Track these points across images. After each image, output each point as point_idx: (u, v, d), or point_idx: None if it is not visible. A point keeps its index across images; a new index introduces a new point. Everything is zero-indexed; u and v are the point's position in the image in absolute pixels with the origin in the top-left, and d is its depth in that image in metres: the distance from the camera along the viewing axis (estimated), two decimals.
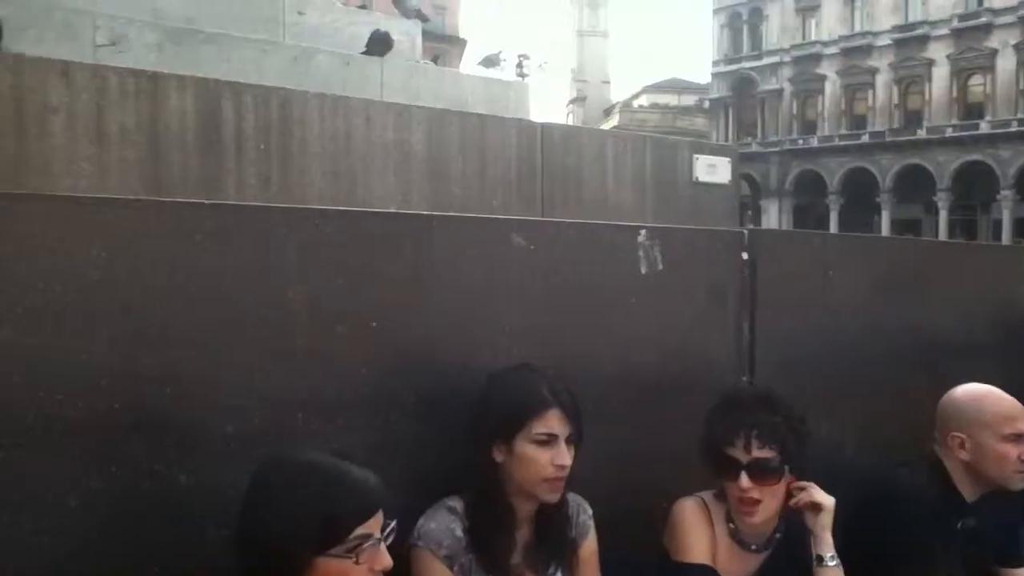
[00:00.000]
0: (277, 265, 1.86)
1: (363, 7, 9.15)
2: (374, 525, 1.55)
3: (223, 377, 1.80)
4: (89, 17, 3.93)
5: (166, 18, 4.34)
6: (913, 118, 42.98)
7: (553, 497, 1.94)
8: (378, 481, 1.59)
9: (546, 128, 5.06)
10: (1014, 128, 38.89)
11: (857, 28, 45.12)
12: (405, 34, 5.61)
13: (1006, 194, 39.17)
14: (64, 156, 3.27)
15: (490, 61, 7.36)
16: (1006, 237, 37.03)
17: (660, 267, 2.42)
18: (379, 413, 1.98)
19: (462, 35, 41.22)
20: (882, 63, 43.88)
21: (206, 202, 1.77)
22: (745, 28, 49.88)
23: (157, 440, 1.74)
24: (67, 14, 3.88)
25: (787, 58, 47.41)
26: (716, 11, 51.25)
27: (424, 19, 6.52)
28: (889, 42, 43.48)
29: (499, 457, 1.93)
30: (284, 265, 1.87)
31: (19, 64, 3.22)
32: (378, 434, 1.96)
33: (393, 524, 1.59)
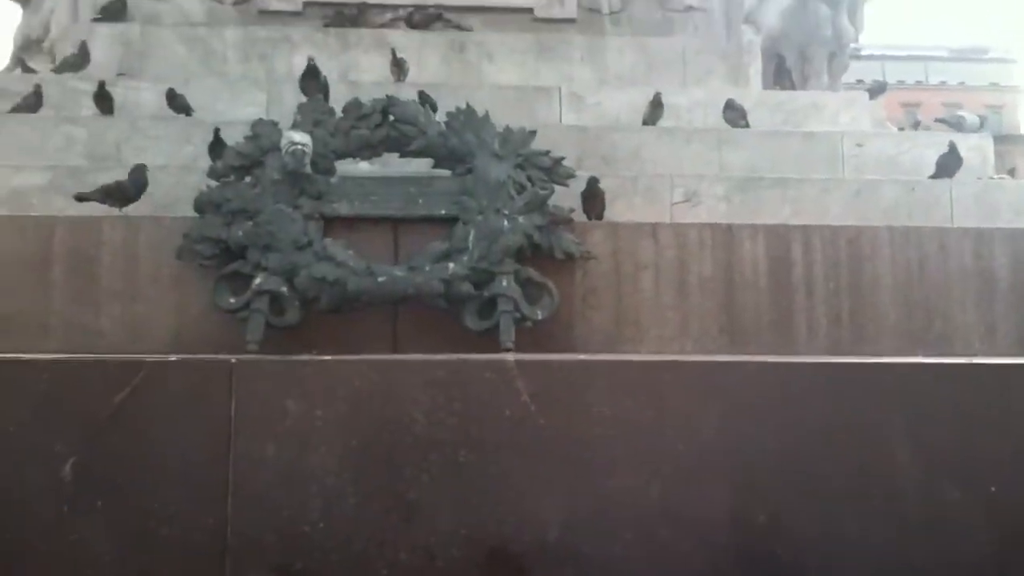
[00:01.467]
0: (883, 421, 1.80)
1: (917, 125, 8.75)
2: None
3: (830, 536, 1.77)
4: (667, 179, 4.40)
5: (731, 170, 4.66)
6: None
7: None
8: None
9: None
10: None
11: None
12: (975, 148, 5.20)
13: None
14: (652, 307, 3.67)
15: None
16: None
17: None
18: None
19: None
20: None
21: (824, 361, 1.80)
22: None
23: None
24: (650, 179, 4.40)
25: None
26: None
27: (967, 126, 5.85)
28: None
29: None
30: (891, 421, 1.80)
31: (616, 230, 3.75)
32: None
33: None
